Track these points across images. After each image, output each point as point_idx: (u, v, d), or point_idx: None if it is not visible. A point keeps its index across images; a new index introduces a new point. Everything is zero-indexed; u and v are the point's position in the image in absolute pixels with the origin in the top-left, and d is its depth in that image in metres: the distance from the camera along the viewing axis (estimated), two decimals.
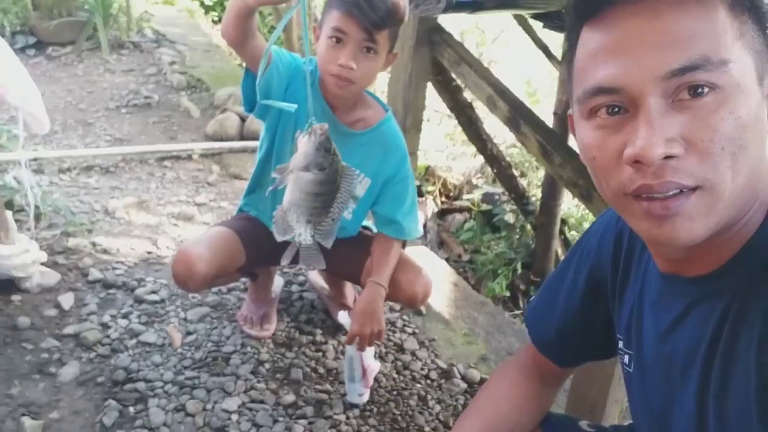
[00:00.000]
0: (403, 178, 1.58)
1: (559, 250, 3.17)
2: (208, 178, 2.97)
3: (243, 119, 3.37)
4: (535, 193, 3.28)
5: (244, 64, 1.41)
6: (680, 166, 0.55)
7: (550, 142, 1.78)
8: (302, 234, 1.20)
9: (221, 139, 3.30)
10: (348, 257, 1.63)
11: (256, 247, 1.62)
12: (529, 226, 3.17)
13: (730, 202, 0.57)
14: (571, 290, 0.89)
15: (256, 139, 3.33)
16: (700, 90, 0.55)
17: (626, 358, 0.80)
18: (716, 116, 0.55)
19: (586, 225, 3.31)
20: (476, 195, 3.42)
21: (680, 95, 0.55)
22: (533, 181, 3.46)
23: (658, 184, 0.57)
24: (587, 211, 3.34)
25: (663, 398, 0.72)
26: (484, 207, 3.30)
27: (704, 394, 0.65)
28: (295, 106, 1.22)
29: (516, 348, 2.09)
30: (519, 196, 3.11)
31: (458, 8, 1.41)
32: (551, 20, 1.51)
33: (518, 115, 1.77)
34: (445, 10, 1.38)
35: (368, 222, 1.77)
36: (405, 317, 2.09)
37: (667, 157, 0.55)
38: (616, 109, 0.59)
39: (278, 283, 2.01)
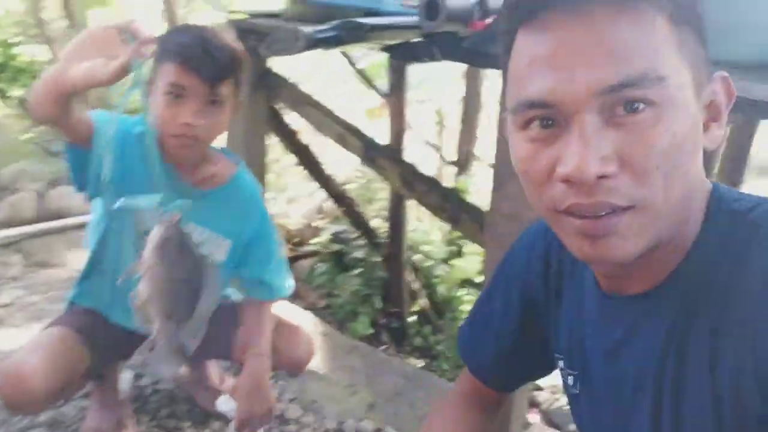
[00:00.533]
0: (267, 234, 1.44)
1: (411, 277, 3.19)
2: (9, 272, 2.54)
3: (40, 196, 2.98)
4: (381, 225, 3.28)
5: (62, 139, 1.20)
6: (614, 186, 0.53)
7: (410, 173, 1.77)
8: (162, 332, 1.05)
9: (16, 224, 2.92)
10: (214, 333, 1.43)
11: (100, 344, 1.36)
12: (380, 259, 3.15)
13: (664, 220, 0.56)
14: (503, 313, 0.86)
15: (58, 217, 2.99)
16: (636, 106, 0.52)
17: (570, 379, 0.77)
18: (652, 133, 0.52)
19: (429, 248, 3.37)
20: (324, 237, 3.33)
21: (616, 111, 0.53)
22: (378, 213, 3.46)
23: (589, 204, 0.54)
24: (431, 235, 3.43)
25: (615, 419, 0.70)
26: (336, 247, 3.22)
27: (658, 414, 0.63)
28: (158, 198, 1.06)
29: (401, 385, 2.02)
30: (367, 230, 3.09)
31: (318, 45, 1.32)
32: (401, 51, 1.50)
33: (372, 150, 1.74)
34: (306, 48, 1.28)
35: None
36: (281, 382, 1.92)
37: (601, 177, 0.53)
38: (550, 122, 0.56)
39: (125, 379, 1.72)
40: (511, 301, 0.84)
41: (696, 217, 0.60)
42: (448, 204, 1.71)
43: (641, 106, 0.52)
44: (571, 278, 0.76)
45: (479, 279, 3.27)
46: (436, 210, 1.75)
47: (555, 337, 0.80)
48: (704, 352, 0.57)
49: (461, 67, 3.22)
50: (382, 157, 1.77)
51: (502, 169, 1.43)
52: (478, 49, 1.42)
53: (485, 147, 3.45)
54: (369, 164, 1.76)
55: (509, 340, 0.86)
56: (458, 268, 3.32)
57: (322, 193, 3.24)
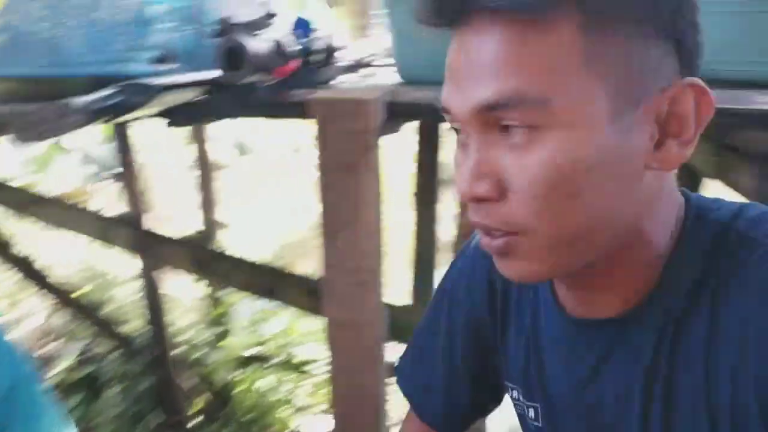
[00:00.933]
0: (27, 381, 1.05)
1: (184, 375, 2.78)
2: None
3: None
4: (136, 325, 2.78)
5: None
6: (494, 211, 0.51)
7: (204, 254, 1.49)
8: None
9: None
10: None
11: None
12: (142, 366, 2.66)
13: (566, 247, 0.51)
14: (448, 346, 0.77)
15: None
16: (510, 129, 0.49)
17: (531, 412, 0.70)
18: (530, 159, 0.48)
19: (192, 335, 3.00)
20: (64, 364, 2.67)
21: (497, 131, 0.50)
22: (129, 311, 2.93)
23: (478, 224, 0.53)
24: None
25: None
26: (84, 371, 2.61)
27: None
28: None
29: None
30: (121, 338, 2.58)
31: (98, 117, 0.99)
32: (183, 114, 1.24)
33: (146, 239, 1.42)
34: (83, 124, 0.95)
35: None
36: None
37: (479, 199, 0.51)
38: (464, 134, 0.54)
39: None
40: (455, 331, 0.76)
41: (662, 232, 0.56)
42: (260, 279, 1.50)
43: (517, 129, 0.48)
44: (518, 302, 0.70)
45: (250, 352, 3.07)
46: (246, 287, 1.52)
47: (505, 365, 0.72)
48: (698, 372, 0.54)
49: (184, 131, 2.95)
50: (166, 247, 1.47)
51: (330, 222, 1.29)
52: (278, 98, 1.26)
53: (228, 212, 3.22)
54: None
55: (459, 373, 0.77)
56: (229, 348, 3.03)
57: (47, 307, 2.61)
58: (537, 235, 0.50)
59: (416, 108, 1.21)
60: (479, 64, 0.49)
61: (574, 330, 0.62)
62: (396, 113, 1.20)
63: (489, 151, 0.50)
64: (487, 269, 0.71)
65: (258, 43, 1.17)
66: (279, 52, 1.22)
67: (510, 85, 0.47)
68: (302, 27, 1.32)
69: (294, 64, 1.25)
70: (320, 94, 1.21)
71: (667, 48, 0.49)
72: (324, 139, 1.18)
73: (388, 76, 1.54)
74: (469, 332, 0.75)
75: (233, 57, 1.12)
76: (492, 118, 0.49)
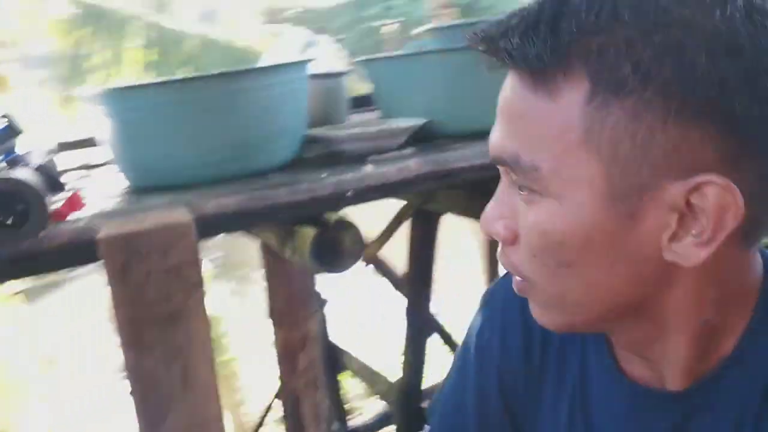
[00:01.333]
0: None
1: None
2: None
3: None
4: None
5: None
6: (507, 254, 0.52)
7: None
8: None
9: None
10: None
11: None
12: None
13: (570, 310, 0.51)
14: (480, 411, 0.67)
15: None
16: (518, 185, 0.49)
17: None
18: (528, 221, 0.49)
19: None
20: None
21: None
22: None
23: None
24: None
25: None
26: None
27: None
28: None
29: None
30: None
31: None
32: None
33: None
34: None
35: None
36: None
37: (498, 239, 0.52)
38: None
39: None
40: (488, 395, 0.66)
41: (714, 308, 0.50)
42: None
43: (522, 187, 0.48)
44: (561, 351, 0.62)
45: None
46: None
47: (539, 429, 0.65)
48: None
49: None
50: None
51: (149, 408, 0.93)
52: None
53: None
54: None
55: None
56: None
57: None
58: (536, 289, 0.51)
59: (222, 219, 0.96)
60: (501, 111, 0.49)
61: (638, 399, 0.56)
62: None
63: (510, 194, 0.50)
64: (522, 311, 0.63)
65: None
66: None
67: (512, 144, 0.47)
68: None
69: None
70: (106, 229, 0.88)
71: (699, 133, 0.42)
72: (125, 289, 0.85)
73: (107, 183, 1.22)
74: (502, 395, 0.66)
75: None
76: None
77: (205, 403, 0.92)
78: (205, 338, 0.92)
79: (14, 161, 0.90)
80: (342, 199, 1.03)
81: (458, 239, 3.37)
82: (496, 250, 0.54)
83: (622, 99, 0.42)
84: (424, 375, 2.36)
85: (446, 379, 0.73)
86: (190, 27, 8.18)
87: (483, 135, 0.54)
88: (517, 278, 0.52)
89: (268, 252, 1.48)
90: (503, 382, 0.66)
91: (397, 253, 2.25)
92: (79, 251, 0.86)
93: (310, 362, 1.54)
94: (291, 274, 1.50)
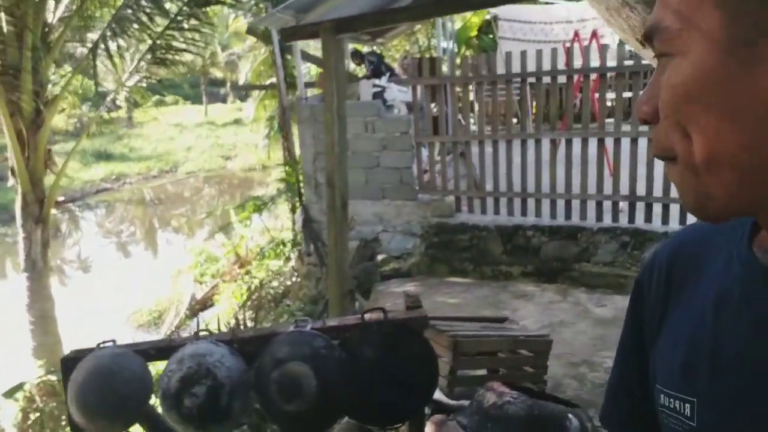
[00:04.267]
0: None
1: None
2: None
3: None
4: None
5: None
6: (655, 134, 0.55)
7: None
8: None
9: None
10: None
11: None
12: None
13: (703, 175, 0.51)
14: (626, 349, 0.75)
15: None
16: (661, 58, 0.54)
17: (687, 408, 0.60)
18: (668, 82, 0.53)
19: None
20: None
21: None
22: None
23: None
24: None
25: None
26: None
27: None
28: None
29: None
30: None
31: None
32: None
33: None
34: None
35: None
36: None
37: (643, 120, 0.56)
38: None
39: None
40: (625, 339, 0.75)
41: None
42: None
43: (663, 57, 0.53)
44: (686, 278, 0.65)
45: None
46: None
47: (658, 364, 0.66)
48: None
49: None
50: None
51: None
52: None
53: None
54: None
55: (635, 389, 0.72)
56: None
57: None
58: (680, 161, 0.53)
59: None
60: None
61: None
62: None
63: (657, 76, 0.54)
64: (656, 251, 0.70)
65: None
66: None
67: (655, 15, 0.53)
68: None
69: None
70: None
71: None
72: None
73: None
74: (642, 330, 0.70)
75: None
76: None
77: None
78: None
79: None
80: None
81: None
82: None
83: None
84: None
85: None
86: None
87: None
88: (671, 167, 0.55)
89: None
90: (642, 318, 0.70)
91: None
92: None
93: None
94: None
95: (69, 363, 2.58)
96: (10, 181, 7.16)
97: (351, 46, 8.48)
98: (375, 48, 9.39)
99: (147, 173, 22.47)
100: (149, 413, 2.59)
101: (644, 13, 1.02)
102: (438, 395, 3.26)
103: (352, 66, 8.87)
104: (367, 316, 2.60)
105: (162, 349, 2.65)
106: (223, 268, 9.20)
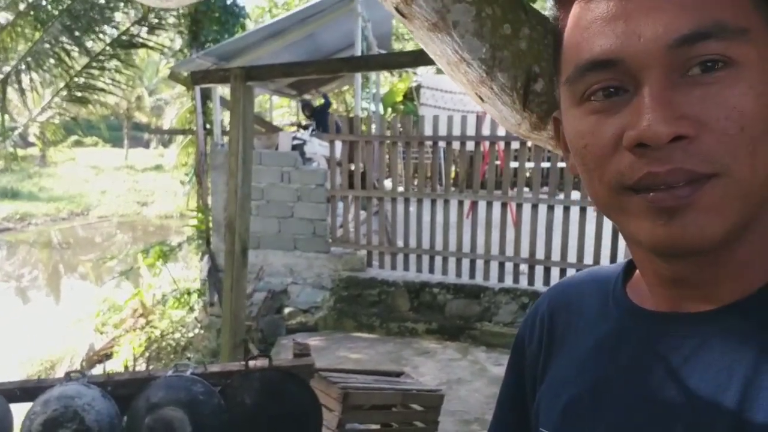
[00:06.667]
0: None
1: None
2: None
3: None
4: None
5: None
6: (692, 150, 0.46)
7: None
8: None
9: None
10: None
11: None
12: None
13: (749, 198, 0.48)
14: (505, 399, 0.75)
15: None
16: (712, 63, 0.46)
17: None
18: (733, 92, 0.46)
19: None
20: None
21: (691, 70, 0.47)
22: None
23: (666, 172, 0.47)
24: None
25: None
26: None
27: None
28: None
29: None
30: None
31: None
32: None
33: None
34: None
35: None
36: None
37: (677, 139, 0.46)
38: (613, 90, 0.49)
39: None
40: (508, 387, 0.74)
41: None
42: None
43: (719, 64, 0.46)
44: (569, 325, 0.65)
45: None
46: None
47: (542, 409, 0.65)
48: None
49: None
50: None
51: None
52: None
53: None
54: None
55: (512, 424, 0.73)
56: None
57: None
58: (731, 178, 0.47)
59: None
60: None
61: (659, 328, 0.55)
62: None
63: (675, 90, 0.47)
64: (537, 304, 0.70)
65: None
66: None
67: (709, 15, 0.46)
68: None
69: None
70: None
71: None
72: None
73: None
74: (524, 379, 0.70)
75: None
76: (686, 55, 0.46)
77: None
78: None
79: None
80: None
81: None
82: None
83: None
84: None
85: None
86: None
87: None
88: (679, 188, 0.47)
89: None
90: (525, 370, 0.70)
91: None
92: None
93: None
94: None
95: None
96: None
97: (304, 99, 8.61)
98: (314, 102, 9.56)
99: (56, 215, 21.38)
100: None
101: (479, 69, 1.10)
102: None
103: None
104: (252, 363, 2.56)
105: (29, 390, 2.49)
106: (125, 318, 8.78)
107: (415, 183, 6.07)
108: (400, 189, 6.16)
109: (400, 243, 6.05)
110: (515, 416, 0.72)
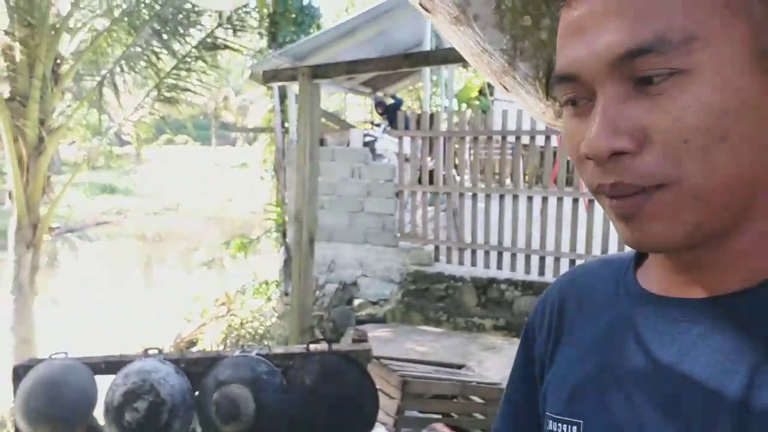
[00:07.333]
0: None
1: None
2: None
3: None
4: None
5: None
6: (633, 165, 0.48)
7: None
8: None
9: None
10: None
11: None
12: None
13: (708, 201, 0.48)
14: (516, 388, 0.74)
15: None
16: (654, 78, 0.46)
17: (573, 430, 0.59)
18: (676, 104, 0.46)
19: None
20: None
21: (630, 83, 0.48)
22: None
23: (610, 186, 0.49)
24: None
25: None
26: None
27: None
28: None
29: None
30: None
31: None
32: None
33: None
34: None
35: None
36: None
37: (617, 154, 0.48)
38: (583, 100, 0.51)
39: None
40: (517, 369, 0.74)
41: None
42: None
43: (661, 76, 0.46)
44: (581, 312, 0.65)
45: None
46: None
47: (549, 393, 0.65)
48: None
49: None
50: None
51: None
52: None
53: None
54: None
55: (522, 422, 0.72)
56: None
57: None
58: (680, 187, 0.47)
59: None
60: (613, 13, 0.46)
61: (665, 310, 0.55)
62: None
63: (622, 104, 0.47)
64: (547, 292, 0.70)
65: None
66: None
67: (650, 29, 0.45)
68: None
69: None
70: None
71: None
72: None
73: None
74: (534, 365, 0.70)
75: None
76: (628, 69, 0.46)
77: None
78: None
79: None
80: None
81: None
82: None
83: None
84: None
85: None
86: None
87: None
88: (627, 197, 0.49)
89: None
90: (534, 357, 0.70)
91: None
92: None
93: None
94: None
95: (20, 371, 2.67)
96: (6, 204, 7.33)
97: (377, 97, 8.80)
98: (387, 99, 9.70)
99: (149, 209, 22.75)
100: (92, 425, 2.65)
101: (501, 59, 1.15)
102: None
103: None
104: (312, 346, 2.69)
105: (111, 364, 2.73)
106: (210, 307, 9.26)
107: (484, 178, 6.05)
108: (469, 184, 6.16)
109: (468, 239, 6.06)
110: (524, 399, 0.72)
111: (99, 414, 2.67)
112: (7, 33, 6.38)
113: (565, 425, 0.60)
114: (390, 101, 9.11)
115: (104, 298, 11.50)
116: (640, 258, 0.62)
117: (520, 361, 0.73)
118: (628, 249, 0.60)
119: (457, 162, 6.55)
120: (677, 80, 0.46)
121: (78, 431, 2.64)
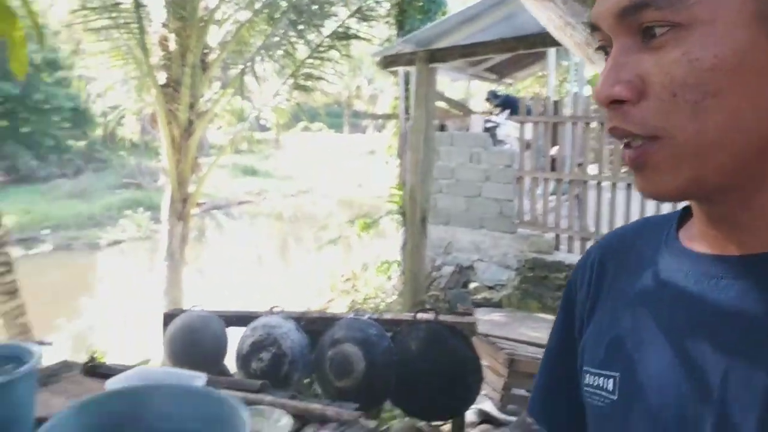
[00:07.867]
0: None
1: None
2: None
3: None
4: None
5: None
6: (630, 113, 0.50)
7: None
8: None
9: None
10: None
11: None
12: None
13: (702, 157, 0.49)
14: (561, 347, 0.73)
15: None
16: (653, 30, 0.48)
17: (610, 384, 0.60)
18: (668, 58, 0.48)
19: None
20: None
21: (638, 35, 0.50)
22: None
23: (609, 129, 0.53)
24: None
25: (693, 407, 0.53)
26: None
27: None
28: None
29: None
30: None
31: None
32: None
33: None
34: None
35: None
36: None
37: (617, 102, 0.50)
38: (610, 48, 0.54)
39: None
40: (558, 326, 0.74)
41: None
42: None
43: (660, 29, 0.48)
44: (623, 267, 0.65)
45: None
46: None
47: (587, 348, 0.65)
48: None
49: None
50: None
51: None
52: None
53: None
54: None
55: (563, 382, 0.71)
56: None
57: None
58: (673, 141, 0.49)
59: None
60: None
61: (705, 267, 0.55)
62: None
63: (629, 55, 0.50)
64: (589, 251, 0.71)
65: None
66: None
67: None
68: None
69: None
70: None
71: None
72: None
73: None
74: (574, 322, 0.70)
75: None
76: (633, 22, 0.49)
77: None
78: None
79: None
80: None
81: None
82: None
83: None
84: None
85: None
86: None
87: None
88: (634, 148, 0.51)
89: None
90: (574, 314, 0.70)
91: None
92: None
93: None
94: None
95: (167, 318, 3.09)
96: (161, 180, 8.19)
97: (491, 90, 8.82)
98: (501, 89, 9.62)
99: (286, 191, 24.17)
100: (223, 370, 3.00)
101: (584, 32, 1.23)
102: (489, 407, 3.39)
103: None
104: (419, 315, 2.85)
105: (242, 318, 3.07)
106: (338, 283, 9.75)
107: (612, 167, 5.85)
108: (593, 172, 5.98)
109: (591, 228, 5.90)
110: (563, 358, 0.71)
111: (229, 362, 3.02)
112: (164, 25, 7.13)
113: (601, 378, 0.61)
114: (503, 93, 9.00)
115: (243, 270, 12.46)
116: (683, 218, 0.62)
117: (560, 322, 0.73)
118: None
119: (584, 149, 6.37)
120: (675, 34, 0.47)
121: (213, 372, 3.02)
